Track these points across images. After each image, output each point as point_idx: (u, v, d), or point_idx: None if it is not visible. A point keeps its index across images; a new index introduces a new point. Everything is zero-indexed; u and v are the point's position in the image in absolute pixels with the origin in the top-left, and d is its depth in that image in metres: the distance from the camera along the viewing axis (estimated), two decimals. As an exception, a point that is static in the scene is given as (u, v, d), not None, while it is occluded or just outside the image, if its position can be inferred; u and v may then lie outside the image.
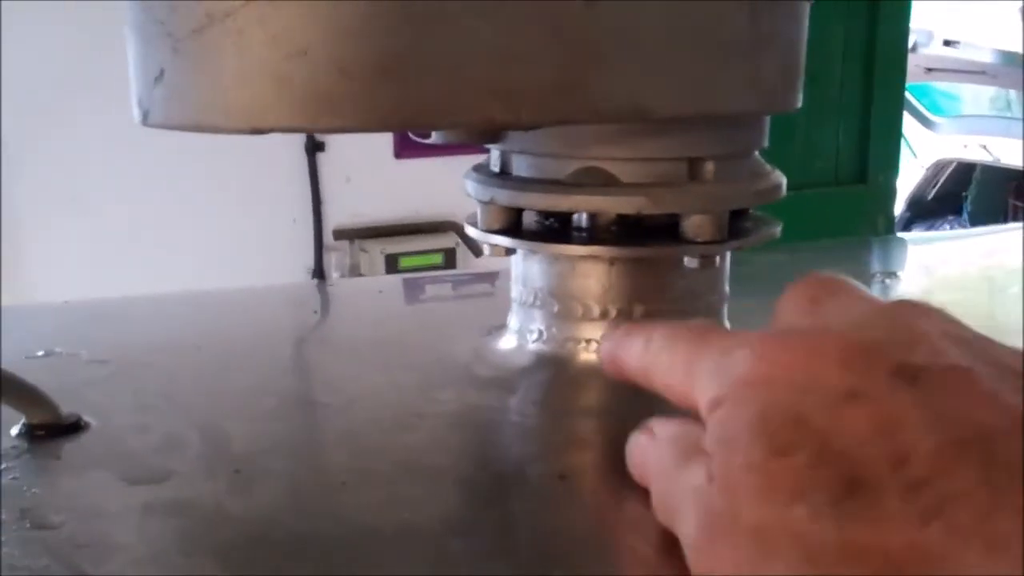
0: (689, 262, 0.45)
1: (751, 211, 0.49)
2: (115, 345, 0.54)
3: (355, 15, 0.37)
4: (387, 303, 0.67)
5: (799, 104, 0.46)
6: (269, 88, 0.38)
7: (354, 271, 2.78)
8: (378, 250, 2.73)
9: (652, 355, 0.35)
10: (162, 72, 0.40)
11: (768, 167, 0.48)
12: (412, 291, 0.73)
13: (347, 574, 0.32)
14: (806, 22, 0.46)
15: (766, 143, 0.48)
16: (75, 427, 0.42)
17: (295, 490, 0.38)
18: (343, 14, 0.37)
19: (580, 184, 0.45)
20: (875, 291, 0.70)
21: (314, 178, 2.72)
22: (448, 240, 2.73)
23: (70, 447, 0.41)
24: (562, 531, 0.36)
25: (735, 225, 0.47)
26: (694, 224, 0.45)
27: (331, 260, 2.78)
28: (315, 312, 0.66)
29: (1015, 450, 0.25)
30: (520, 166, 0.47)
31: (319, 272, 2.75)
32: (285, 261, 2.69)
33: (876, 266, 0.82)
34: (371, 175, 2.74)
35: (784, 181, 0.48)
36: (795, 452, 0.27)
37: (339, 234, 2.79)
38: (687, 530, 0.30)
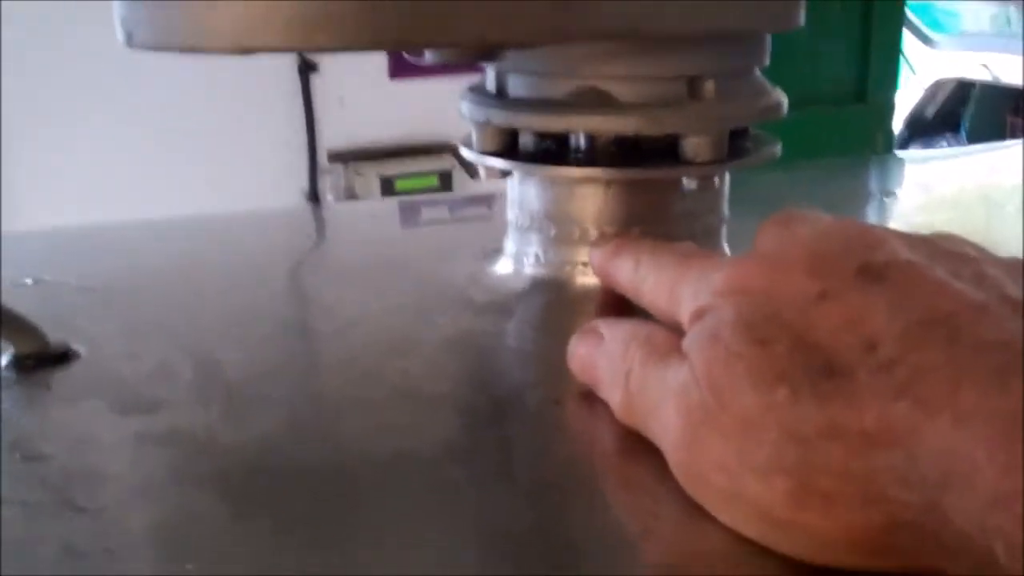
0: (688, 183, 0.44)
1: (750, 130, 0.48)
2: (105, 272, 0.54)
3: (344, -70, 0.36)
4: (382, 227, 0.67)
5: (801, 21, 0.45)
6: (258, 6, 0.37)
7: (349, 194, 2.77)
8: (373, 173, 2.72)
9: (640, 276, 0.39)
10: (145, -8, 0.39)
11: (769, 85, 0.47)
12: (408, 215, 0.72)
13: (344, 501, 0.32)
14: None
15: (767, 61, 0.47)
16: (64, 356, 0.42)
17: (290, 417, 0.38)
18: (332, -70, 0.36)
19: (577, 104, 0.44)
20: (873, 210, 0.69)
21: (307, 100, 2.70)
22: (444, 162, 2.72)
23: (60, 376, 0.40)
24: (558, 455, 0.35)
25: (735, 145, 0.46)
26: (693, 145, 0.44)
27: (326, 183, 2.77)
28: (309, 237, 0.65)
29: (976, 329, 0.26)
30: (516, 86, 0.46)
31: (314, 195, 2.74)
32: (279, 184, 2.68)
33: (873, 185, 0.82)
34: (365, 96, 2.72)
35: (785, 100, 0.47)
36: (774, 342, 0.29)
37: (333, 157, 2.78)
38: (665, 428, 0.32)
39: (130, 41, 0.41)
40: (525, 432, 0.37)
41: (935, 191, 0.80)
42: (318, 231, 0.69)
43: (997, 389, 0.24)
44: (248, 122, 2.62)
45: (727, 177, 0.47)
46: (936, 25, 5.12)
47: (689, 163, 0.44)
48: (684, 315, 0.34)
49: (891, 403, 0.26)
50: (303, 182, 2.75)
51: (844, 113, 2.14)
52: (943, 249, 0.31)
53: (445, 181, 2.73)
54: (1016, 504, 0.23)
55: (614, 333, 0.36)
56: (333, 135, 2.76)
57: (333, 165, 2.78)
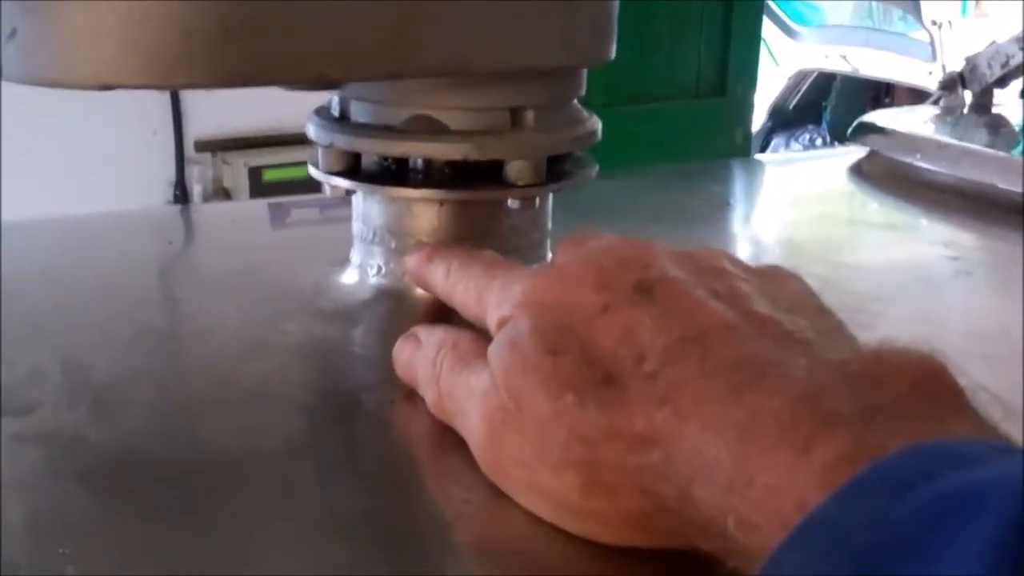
0: (512, 203, 0.49)
1: (573, 154, 0.53)
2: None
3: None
4: (246, 231, 0.70)
5: (612, 56, 0.50)
6: (117, 49, 0.41)
7: (217, 184, 2.75)
8: (241, 163, 2.70)
9: (451, 282, 0.43)
10: (14, 31, 0.43)
11: (586, 114, 0.53)
12: (276, 216, 0.75)
13: (202, 493, 0.36)
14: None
15: (583, 92, 0.52)
16: (-59, 363, 0.45)
17: (153, 418, 0.42)
18: (185, -20, 0.40)
19: (412, 131, 0.49)
20: (732, 215, 0.75)
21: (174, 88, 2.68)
22: (312, 153, 2.70)
23: (-64, 381, 0.43)
24: (391, 451, 0.40)
25: (556, 168, 0.51)
26: (515, 169, 0.49)
27: (193, 173, 2.75)
28: (170, 243, 0.68)
29: (723, 348, 0.32)
30: (358, 112, 0.51)
31: (180, 186, 2.72)
32: (146, 174, 2.65)
33: (733, 189, 0.87)
34: (233, 86, 2.70)
35: (599, 127, 0.52)
36: (565, 352, 0.34)
37: (201, 146, 2.75)
38: (471, 427, 0.36)
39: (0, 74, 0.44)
40: (364, 430, 0.42)
41: (794, 194, 0.87)
42: (185, 235, 0.72)
43: (732, 402, 0.30)
44: (114, 111, 2.59)
45: (549, 197, 0.53)
46: (799, 17, 5.25)
47: (512, 185, 0.49)
48: (491, 321, 0.38)
49: (655, 411, 0.31)
50: (171, 172, 2.72)
51: (704, 107, 2.21)
52: (705, 264, 0.37)
53: (314, 171, 2.72)
54: (745, 490, 0.28)
55: (428, 338, 0.41)
56: (200, 124, 2.74)
57: (201, 155, 2.76)
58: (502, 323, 0.37)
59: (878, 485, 0.25)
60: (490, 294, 0.40)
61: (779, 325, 0.33)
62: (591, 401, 0.32)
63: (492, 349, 0.36)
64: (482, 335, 0.39)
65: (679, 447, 0.30)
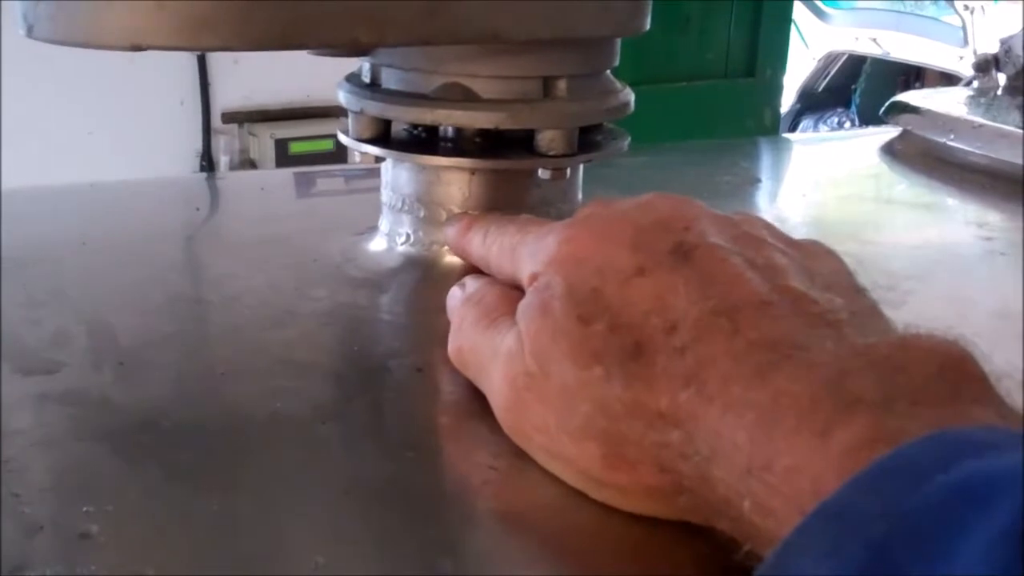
0: (543, 174, 0.49)
1: (604, 125, 0.53)
2: (3, 241, 0.56)
3: (231, -58, 0.40)
4: (273, 200, 0.70)
5: (647, 26, 0.50)
6: (148, 8, 0.40)
7: (243, 155, 2.76)
8: (268, 134, 2.71)
9: (487, 245, 0.43)
10: (46, -9, 0.42)
11: (618, 85, 0.52)
12: (302, 185, 0.76)
13: (226, 456, 0.36)
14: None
15: (617, 62, 0.51)
16: (-31, 322, 0.45)
17: (179, 381, 0.42)
18: (219, -59, 0.39)
19: (443, 99, 0.48)
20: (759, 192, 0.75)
21: (202, 59, 2.68)
22: (339, 125, 2.70)
23: (-35, 341, 0.43)
24: (417, 417, 0.40)
25: (587, 139, 0.51)
26: (547, 138, 0.49)
27: (220, 144, 2.76)
28: (198, 209, 0.68)
29: (753, 324, 0.31)
30: (389, 79, 0.50)
31: (207, 156, 2.73)
32: (173, 145, 2.67)
33: (761, 167, 0.87)
34: (260, 57, 2.70)
35: (632, 98, 0.52)
36: (595, 321, 0.33)
37: (228, 117, 2.77)
38: (493, 388, 0.37)
39: (30, 33, 0.44)
40: (390, 397, 0.41)
41: (826, 173, 0.86)
42: (210, 202, 0.72)
43: (758, 383, 0.29)
44: (143, 82, 2.60)
45: (580, 168, 0.52)
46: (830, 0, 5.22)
47: (543, 155, 0.49)
48: (523, 276, 0.38)
49: (680, 390, 0.31)
50: (198, 143, 2.74)
51: (733, 87, 2.20)
52: (743, 232, 0.36)
53: (341, 145, 2.72)
54: (763, 473, 0.28)
55: (465, 288, 0.41)
56: (228, 95, 2.75)
57: (227, 126, 2.77)
58: (533, 279, 0.37)
59: (893, 473, 0.25)
60: (523, 247, 0.39)
61: (814, 303, 0.32)
62: (617, 375, 0.32)
63: (522, 308, 0.36)
64: (511, 291, 0.39)
65: (700, 428, 0.30)
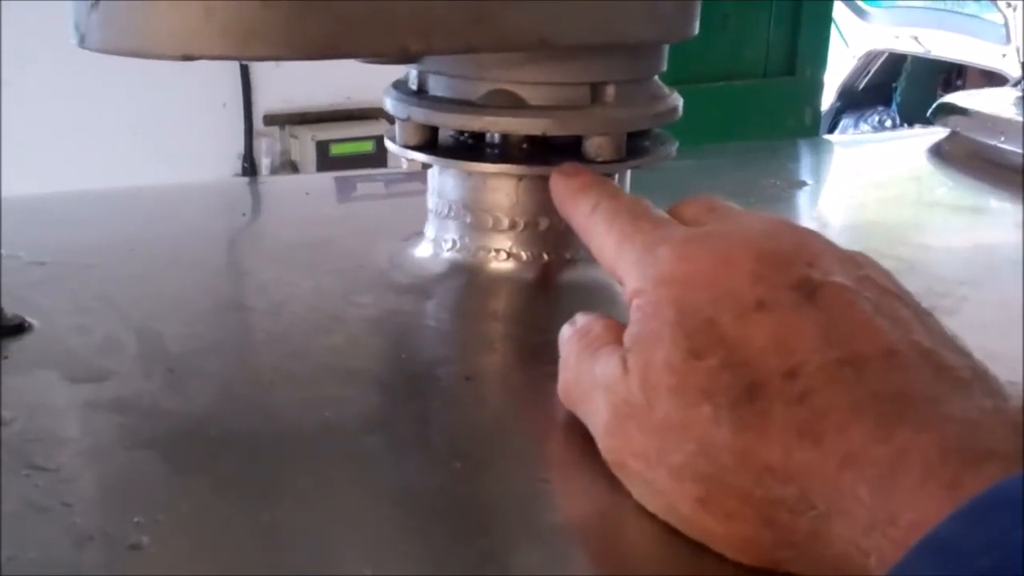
0: (591, 179, 0.49)
1: (651, 130, 0.52)
2: (53, 246, 0.56)
3: (278, -48, 0.39)
4: (316, 204, 0.70)
5: (696, 31, 0.50)
6: (198, 18, 0.40)
7: (285, 157, 2.77)
8: (309, 137, 2.72)
9: (593, 220, 0.40)
10: (97, 1, 0.43)
11: (666, 90, 0.52)
12: (343, 190, 0.76)
13: (273, 465, 0.36)
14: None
15: (664, 68, 0.51)
16: (19, 328, 0.45)
17: (226, 389, 0.42)
18: (267, -49, 0.39)
19: (490, 105, 0.48)
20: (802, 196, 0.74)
21: (244, 63, 2.70)
22: (380, 127, 2.72)
23: (15, 347, 0.44)
24: (464, 427, 0.40)
25: (634, 144, 0.50)
26: (595, 144, 0.48)
27: (261, 146, 2.77)
28: (244, 214, 0.68)
29: (881, 376, 0.30)
30: (436, 86, 0.50)
31: (249, 158, 2.74)
32: (216, 147, 2.68)
33: (803, 169, 0.86)
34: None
35: (680, 103, 0.51)
36: (708, 356, 0.31)
37: (269, 120, 2.77)
38: (594, 415, 0.35)
39: (82, 43, 0.44)
40: (437, 405, 0.41)
41: (873, 175, 0.85)
42: (253, 207, 0.73)
43: (882, 437, 0.28)
44: (185, 84, 2.61)
45: (628, 173, 0.52)
46: (870, -2, 5.18)
47: (591, 161, 0.48)
48: (626, 283, 0.36)
49: (795, 442, 0.29)
50: (239, 145, 2.75)
51: (773, 86, 2.19)
52: (866, 275, 0.34)
53: (380, 145, 2.72)
54: (887, 528, 0.27)
55: (577, 322, 0.38)
56: (269, 98, 2.76)
57: (269, 128, 2.79)
58: (639, 293, 0.35)
59: (1000, 505, 0.24)
60: (631, 248, 0.37)
61: (941, 358, 0.31)
62: (727, 418, 0.30)
63: (631, 335, 0.34)
64: (617, 323, 0.37)
65: (816, 483, 0.29)
